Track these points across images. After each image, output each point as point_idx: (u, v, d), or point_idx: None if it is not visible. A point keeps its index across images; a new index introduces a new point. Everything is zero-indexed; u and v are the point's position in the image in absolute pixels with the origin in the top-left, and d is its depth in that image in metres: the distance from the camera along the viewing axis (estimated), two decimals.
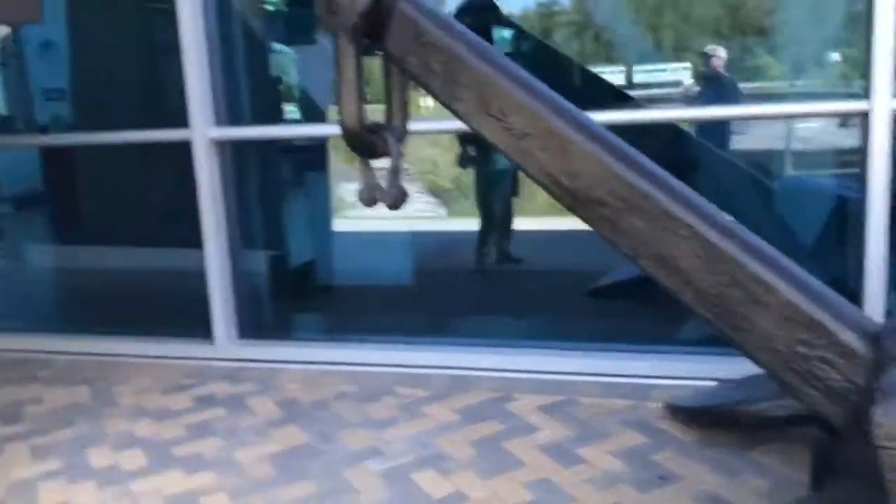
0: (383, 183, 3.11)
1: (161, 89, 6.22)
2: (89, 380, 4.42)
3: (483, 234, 7.17)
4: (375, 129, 3.00)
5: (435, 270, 6.74)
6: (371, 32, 2.90)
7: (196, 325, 4.70)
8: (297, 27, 6.04)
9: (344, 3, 2.88)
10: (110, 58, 6.09)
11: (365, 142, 3.01)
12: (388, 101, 3.12)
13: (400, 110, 3.12)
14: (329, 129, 4.58)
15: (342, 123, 3.00)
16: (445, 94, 2.83)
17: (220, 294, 4.60)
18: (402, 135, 3.10)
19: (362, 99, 2.92)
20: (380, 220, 7.51)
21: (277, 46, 5.88)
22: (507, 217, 7.25)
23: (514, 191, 7.14)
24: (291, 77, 6.05)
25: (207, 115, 4.39)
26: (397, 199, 3.14)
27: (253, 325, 4.82)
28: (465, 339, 4.58)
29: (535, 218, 8.01)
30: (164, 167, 5.86)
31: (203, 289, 4.70)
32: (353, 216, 8.15)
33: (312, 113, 6.19)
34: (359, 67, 2.92)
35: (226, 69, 4.53)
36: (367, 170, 3.22)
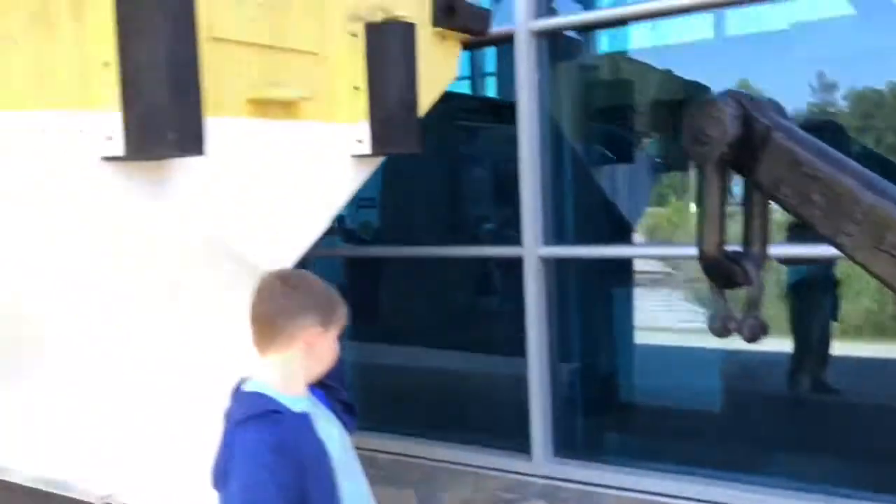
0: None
1: (463, 204, 6.59)
2: (414, 483, 4.63)
3: (797, 358, 6.63)
4: (734, 256, 2.92)
5: (740, 393, 6.32)
6: (738, 162, 2.86)
7: (512, 436, 4.77)
8: (615, 145, 6.17)
9: (714, 134, 2.86)
10: (419, 171, 6.60)
11: (723, 270, 2.93)
12: (747, 227, 3.02)
13: (759, 237, 3.00)
14: (674, 251, 4.54)
15: (701, 251, 2.95)
16: (827, 227, 2.67)
17: (539, 407, 4.66)
18: (762, 262, 2.98)
19: (724, 229, 2.87)
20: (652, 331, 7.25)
21: (598, 165, 6.03)
22: (825, 342, 6.67)
23: (833, 314, 6.59)
24: (610, 194, 6.15)
25: (538, 234, 4.57)
26: (755, 333, 2.98)
27: (567, 441, 4.81)
28: (801, 483, 4.19)
29: (850, 342, 7.31)
30: (470, 275, 6.17)
31: (515, 398, 4.80)
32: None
33: (626, 229, 6.22)
34: (723, 197, 2.88)
35: (554, 190, 4.72)
36: (721, 298, 3.13)
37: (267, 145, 3.04)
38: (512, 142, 6.69)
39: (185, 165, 2.66)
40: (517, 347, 4.86)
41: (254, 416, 1.80)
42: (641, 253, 5.66)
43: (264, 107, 3.01)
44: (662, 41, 6.01)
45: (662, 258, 5.69)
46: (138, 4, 2.33)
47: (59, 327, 3.12)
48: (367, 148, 3.43)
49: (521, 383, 4.79)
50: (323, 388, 2.01)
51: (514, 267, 5.61)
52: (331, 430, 1.91)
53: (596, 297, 6.03)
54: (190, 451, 3.14)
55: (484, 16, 4.18)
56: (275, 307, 1.88)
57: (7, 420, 3.56)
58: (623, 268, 6.44)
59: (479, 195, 6.63)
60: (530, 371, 4.67)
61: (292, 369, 1.88)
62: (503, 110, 6.97)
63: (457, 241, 5.39)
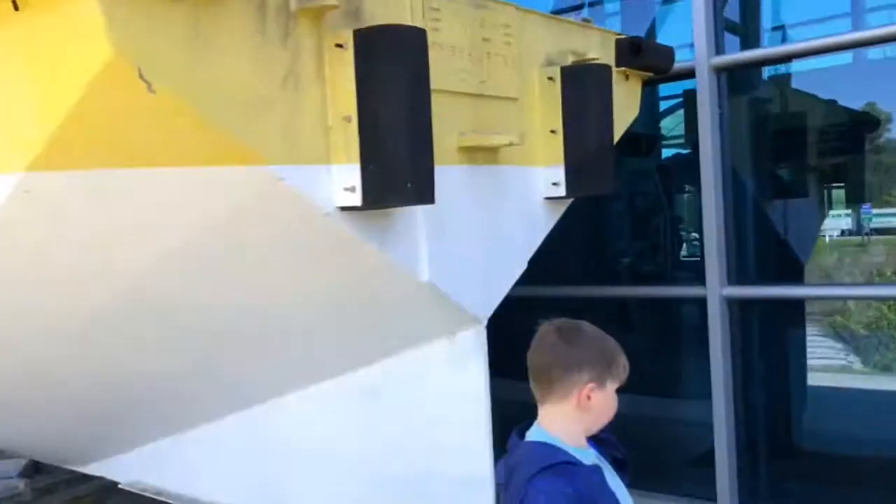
0: None
1: (608, 241, 6.45)
2: None
3: None
4: None
5: None
6: None
7: (693, 481, 4.61)
8: (788, 179, 5.96)
9: None
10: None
11: None
12: None
13: None
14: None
15: None
16: None
17: (725, 454, 4.48)
18: None
19: None
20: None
21: (773, 200, 5.84)
22: None
23: None
24: (785, 231, 5.93)
25: (722, 274, 4.45)
26: None
27: (752, 487, 4.61)
28: None
29: None
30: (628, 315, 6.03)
31: (694, 442, 4.64)
32: None
33: (800, 267, 5.96)
34: None
35: (735, 229, 4.60)
36: None
37: (473, 191, 3.11)
38: (648, 175, 6.52)
39: (404, 213, 2.76)
40: (692, 389, 4.72)
41: (548, 467, 1.77)
42: (838, 294, 5.38)
43: (472, 153, 3.08)
44: (804, 66, 5.82)
45: (870, 299, 5.37)
46: (378, 62, 2.44)
47: (284, 363, 3.28)
48: (562, 190, 3.45)
49: (694, 427, 4.64)
50: (598, 441, 1.96)
51: (668, 306, 5.48)
52: (618, 483, 1.87)
53: (773, 338, 5.80)
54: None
55: (668, 54, 4.15)
56: (549, 359, 1.85)
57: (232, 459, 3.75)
58: (797, 307, 6.17)
59: (623, 231, 6.51)
60: (715, 415, 4.50)
61: (571, 422, 1.84)
62: (637, 143, 6.85)
63: (615, 281, 5.32)
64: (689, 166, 5.79)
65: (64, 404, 3.80)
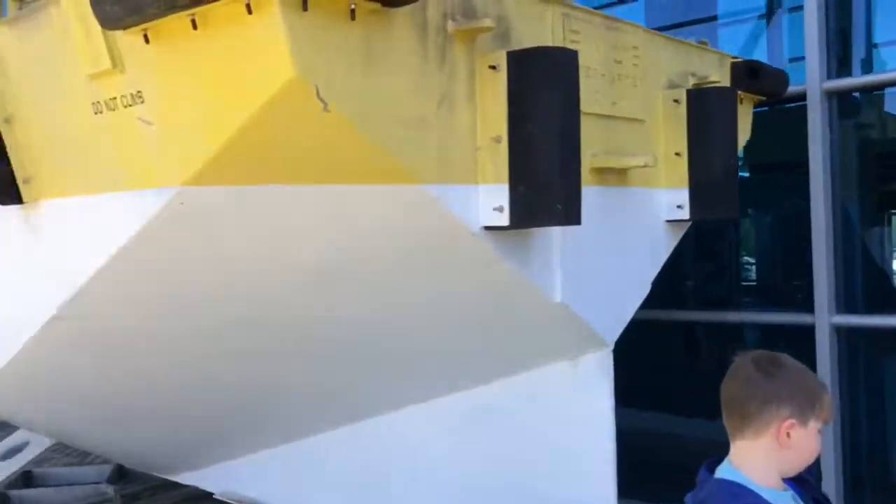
0: None
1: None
2: None
3: None
4: None
5: None
6: None
7: None
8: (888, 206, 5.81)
9: None
10: None
11: None
12: None
13: None
14: None
15: None
16: None
17: (833, 484, 4.36)
18: None
19: None
20: None
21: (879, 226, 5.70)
22: None
23: None
24: (887, 257, 5.77)
25: (830, 302, 4.35)
26: None
27: None
28: None
29: None
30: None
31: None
32: None
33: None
34: None
35: (844, 255, 4.50)
36: None
37: (603, 212, 3.09)
38: None
39: (542, 234, 2.76)
40: None
41: None
42: None
43: (602, 174, 3.07)
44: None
45: None
46: (531, 83, 2.45)
47: (401, 378, 3.29)
48: (686, 213, 3.42)
49: None
50: (798, 482, 1.83)
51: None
52: None
53: (875, 367, 5.65)
54: None
55: (783, 78, 4.09)
56: (746, 392, 1.74)
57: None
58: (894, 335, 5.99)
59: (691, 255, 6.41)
60: (823, 447, 4.37)
61: (764, 460, 1.74)
62: None
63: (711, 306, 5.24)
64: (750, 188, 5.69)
65: (174, 413, 3.86)
